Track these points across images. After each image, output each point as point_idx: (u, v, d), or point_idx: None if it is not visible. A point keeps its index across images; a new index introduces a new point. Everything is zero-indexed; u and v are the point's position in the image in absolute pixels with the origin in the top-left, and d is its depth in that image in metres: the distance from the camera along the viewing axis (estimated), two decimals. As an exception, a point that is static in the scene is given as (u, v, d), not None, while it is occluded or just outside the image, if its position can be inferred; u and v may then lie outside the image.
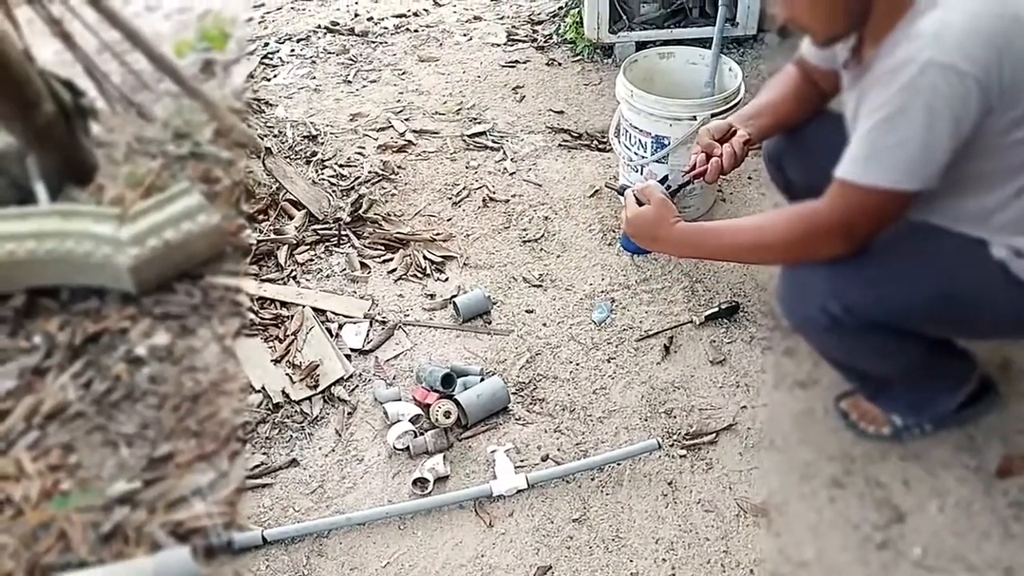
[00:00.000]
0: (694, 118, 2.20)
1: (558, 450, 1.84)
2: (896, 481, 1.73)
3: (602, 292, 2.25)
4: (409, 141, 2.90)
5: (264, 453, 1.85)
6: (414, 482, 1.76)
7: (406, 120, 3.03)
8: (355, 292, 2.28)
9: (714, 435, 1.85)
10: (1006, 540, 1.61)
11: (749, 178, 2.64)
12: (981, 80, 1.20)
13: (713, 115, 2.19)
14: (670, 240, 1.58)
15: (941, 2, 1.24)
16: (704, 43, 2.61)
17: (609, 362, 2.05)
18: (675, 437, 1.85)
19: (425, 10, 3.91)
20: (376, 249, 2.42)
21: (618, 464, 1.80)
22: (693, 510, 1.71)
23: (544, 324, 2.17)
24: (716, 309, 2.13)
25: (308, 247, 2.42)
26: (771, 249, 1.49)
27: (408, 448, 1.83)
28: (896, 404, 1.76)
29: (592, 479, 1.78)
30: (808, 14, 1.36)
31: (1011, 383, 1.88)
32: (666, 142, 2.28)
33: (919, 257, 1.43)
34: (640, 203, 1.63)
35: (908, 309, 1.43)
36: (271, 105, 3.14)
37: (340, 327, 2.16)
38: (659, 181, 1.81)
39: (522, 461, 1.82)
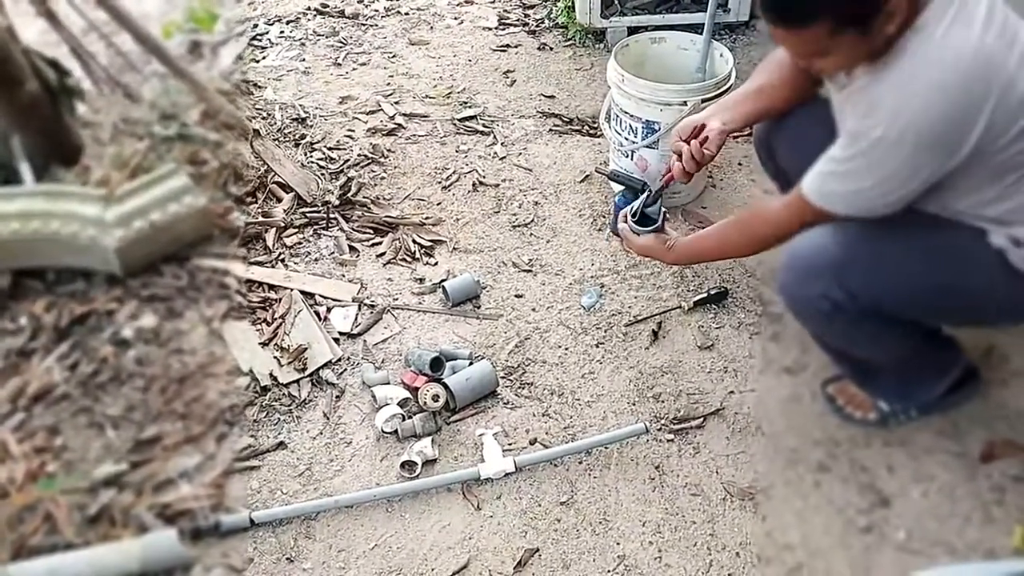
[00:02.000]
0: (685, 103, 2.20)
1: (546, 434, 1.85)
2: (880, 466, 1.75)
3: (591, 277, 2.25)
4: (399, 124, 2.89)
5: (251, 436, 1.85)
6: (402, 465, 1.76)
7: (396, 103, 3.01)
8: (344, 275, 2.28)
9: (702, 419, 1.86)
10: (987, 524, 1.63)
11: (740, 164, 2.64)
12: (936, 150, 1.28)
13: (704, 100, 2.19)
14: (672, 259, 1.80)
15: (920, 53, 1.25)
16: (696, 29, 2.60)
17: (598, 347, 2.05)
18: (663, 421, 1.86)
19: (416, -8, 3.87)
20: (365, 232, 2.41)
21: (606, 448, 1.80)
22: (680, 493, 1.72)
23: (533, 309, 2.17)
24: (705, 295, 2.13)
25: (296, 230, 2.40)
26: (739, 250, 1.77)
27: (396, 431, 1.83)
28: (883, 390, 1.77)
29: (580, 463, 1.78)
30: (831, 69, 1.39)
31: (994, 370, 1.90)
32: (656, 127, 2.27)
33: (920, 246, 1.44)
34: (636, 232, 1.79)
35: (909, 297, 1.45)
36: (260, 87, 3.11)
37: (328, 310, 2.15)
38: (627, 194, 1.87)
39: (510, 444, 1.83)
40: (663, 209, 1.82)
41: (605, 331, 2.09)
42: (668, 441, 1.82)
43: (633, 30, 3.12)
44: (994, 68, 1.22)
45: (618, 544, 1.63)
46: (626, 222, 1.82)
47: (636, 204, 1.81)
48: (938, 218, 1.45)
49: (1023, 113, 1.26)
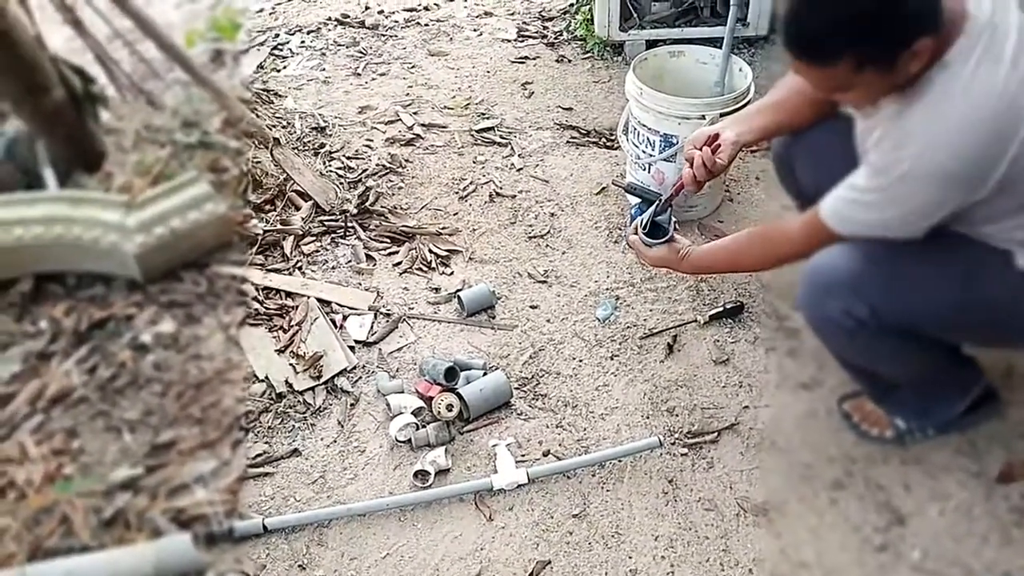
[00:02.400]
0: (703, 117, 2.20)
1: (559, 445, 1.85)
2: (897, 484, 1.73)
3: (607, 289, 2.25)
4: (417, 135, 2.90)
5: (266, 442, 1.86)
6: (415, 474, 1.76)
7: (414, 114, 3.03)
8: (360, 284, 2.29)
9: (716, 434, 1.85)
10: (1005, 545, 1.61)
11: (757, 179, 2.63)
12: (958, 183, 1.29)
13: (722, 115, 2.19)
14: (686, 269, 1.80)
15: (949, 91, 1.26)
16: (715, 43, 2.61)
17: (612, 359, 2.05)
18: (677, 435, 1.85)
19: (436, 4, 3.90)
20: (382, 242, 2.43)
21: (619, 461, 1.80)
22: (693, 508, 1.71)
23: (548, 320, 2.17)
24: (720, 309, 2.12)
25: (314, 238, 2.42)
26: (754, 265, 1.81)
27: (410, 440, 1.83)
28: (901, 408, 1.76)
29: (593, 475, 1.78)
30: (853, 102, 1.40)
31: (1013, 390, 1.88)
32: (674, 141, 2.27)
33: (945, 264, 1.43)
34: (648, 244, 1.80)
35: (932, 315, 1.45)
36: (280, 96, 3.14)
37: (344, 318, 2.17)
38: (643, 204, 1.87)
39: (523, 456, 1.82)
40: (673, 219, 1.81)
41: (620, 344, 2.09)
42: (682, 455, 1.81)
43: (652, 43, 3.13)
44: (1020, 108, 1.23)
45: (630, 558, 1.62)
46: (636, 234, 1.82)
47: (646, 215, 1.81)
48: (963, 237, 1.44)
49: None
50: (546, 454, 1.83)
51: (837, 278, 1.47)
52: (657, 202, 1.81)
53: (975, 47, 1.24)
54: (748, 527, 1.67)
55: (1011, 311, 1.43)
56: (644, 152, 2.38)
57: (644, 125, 2.32)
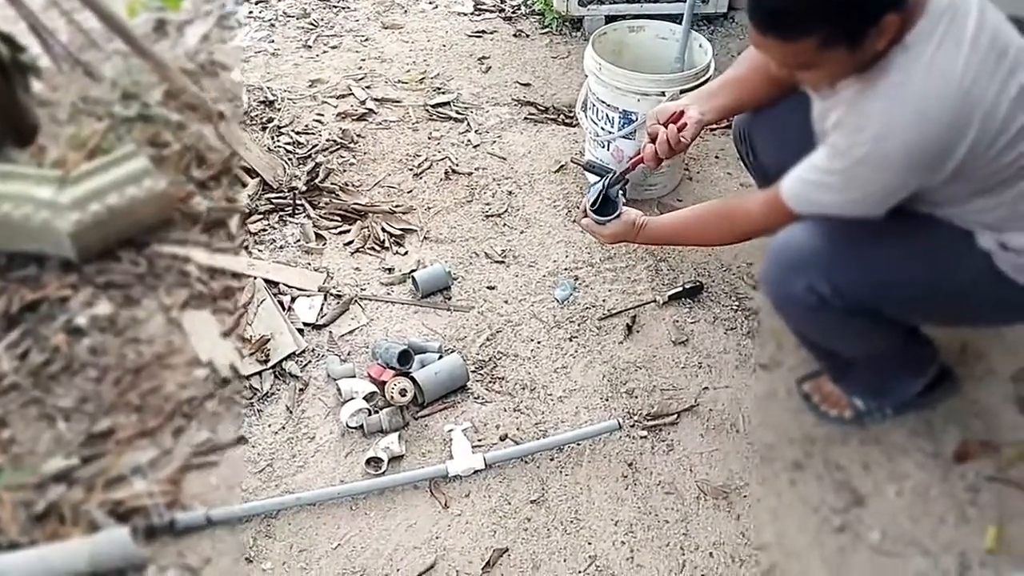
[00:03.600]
0: (663, 93, 2.15)
1: (517, 430, 1.80)
2: (856, 464, 1.72)
3: (565, 269, 2.20)
4: (370, 109, 2.81)
5: (210, 430, 1.77)
6: (367, 461, 1.70)
7: (367, 88, 2.93)
8: (309, 264, 2.20)
9: (675, 416, 1.82)
10: (961, 524, 1.62)
11: (716, 157, 2.60)
12: (915, 167, 1.28)
13: (682, 91, 2.14)
14: (643, 240, 1.78)
15: (908, 75, 1.24)
16: (675, 18, 2.56)
17: (571, 341, 2.01)
18: (636, 418, 1.82)
19: (390, -25, 3.78)
20: (332, 220, 2.34)
21: (578, 444, 1.76)
22: (653, 492, 1.68)
23: (506, 301, 2.11)
24: (680, 289, 2.09)
25: (261, 216, 2.32)
26: (713, 239, 1.77)
27: (362, 426, 1.77)
28: (859, 387, 1.75)
29: (551, 459, 1.74)
30: (813, 81, 1.37)
31: (968, 368, 1.89)
32: (634, 117, 2.22)
33: (909, 244, 1.42)
34: (600, 222, 1.75)
35: (895, 294, 1.44)
36: (227, 68, 3.01)
37: (293, 300, 2.08)
38: (599, 177, 1.78)
39: (480, 440, 1.77)
40: (621, 194, 1.75)
41: (579, 325, 2.04)
42: (641, 438, 1.78)
43: (611, 18, 3.06)
44: (979, 91, 1.22)
45: (589, 544, 1.59)
46: (586, 215, 1.76)
47: (594, 190, 1.74)
48: (926, 217, 1.42)
49: (1008, 129, 1.25)
50: (503, 439, 1.78)
51: (801, 256, 1.45)
52: (608, 176, 1.74)
53: (936, 29, 1.23)
54: (708, 510, 1.65)
55: (972, 291, 1.43)
56: (603, 129, 2.32)
57: (603, 101, 2.27)
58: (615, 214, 1.72)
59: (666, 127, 1.67)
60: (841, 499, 1.66)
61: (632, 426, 1.80)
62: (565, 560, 1.56)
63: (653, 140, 1.69)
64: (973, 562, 1.55)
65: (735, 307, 2.08)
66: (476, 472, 1.69)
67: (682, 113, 1.67)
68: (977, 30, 1.23)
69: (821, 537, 1.60)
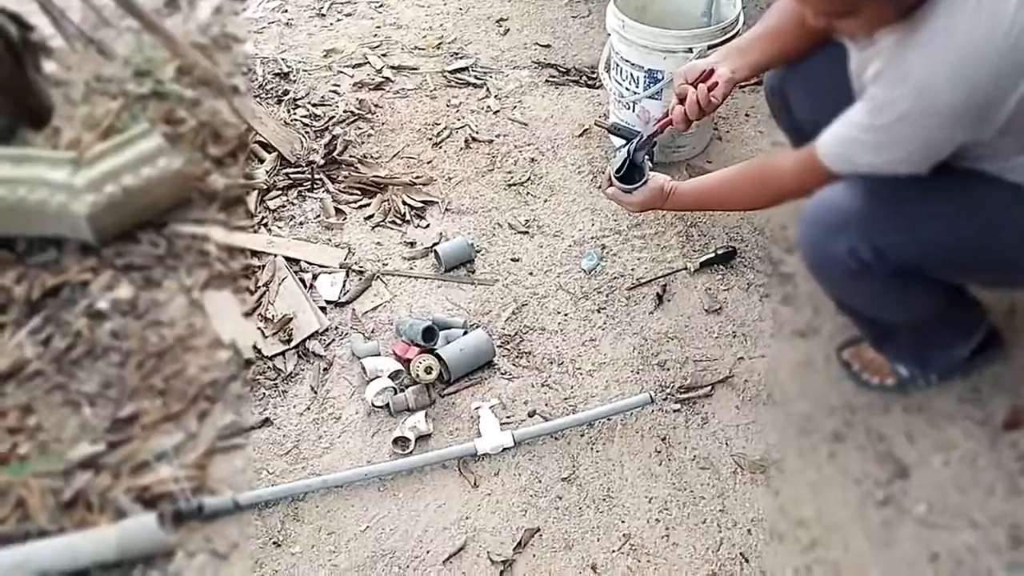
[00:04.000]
0: (690, 50, 2.06)
1: (546, 405, 1.76)
2: (899, 434, 1.66)
3: (592, 238, 2.13)
4: (387, 78, 2.73)
5: (235, 412, 1.75)
6: (394, 441, 1.67)
7: (383, 56, 2.85)
8: (330, 240, 2.16)
9: (710, 388, 1.76)
10: (1012, 495, 1.55)
11: (747, 115, 2.50)
12: (962, 121, 1.20)
13: (710, 47, 2.05)
14: (673, 207, 1.71)
15: (952, 22, 1.15)
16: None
17: (599, 312, 1.95)
18: (668, 390, 1.77)
19: (403, -62, 3.67)
20: (352, 194, 2.28)
21: (609, 419, 1.71)
22: (688, 467, 1.63)
23: (531, 273, 2.06)
24: (712, 255, 2.02)
25: (280, 192, 2.28)
26: (746, 204, 1.69)
27: (388, 405, 1.73)
28: (903, 354, 1.68)
29: (582, 435, 1.69)
30: (853, 30, 1.29)
31: (1016, 332, 1.80)
32: (660, 76, 2.13)
33: (954, 201, 1.34)
34: (626, 190, 1.66)
35: (940, 254, 1.36)
36: (239, 41, 2.95)
37: (314, 277, 2.04)
38: (624, 140, 1.68)
39: (508, 417, 1.73)
40: (647, 159, 1.65)
41: (607, 295, 1.98)
42: (674, 411, 1.73)
43: (633, -27, 2.95)
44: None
45: (623, 522, 1.55)
46: (612, 184, 1.68)
47: (619, 157, 1.65)
48: (974, 172, 1.33)
49: None
50: (532, 415, 1.74)
51: (841, 217, 1.37)
52: (634, 140, 1.65)
53: None
54: (745, 485, 1.60)
55: (1022, 250, 1.34)
56: (628, 90, 2.23)
57: (627, 60, 2.17)
58: (642, 181, 1.64)
59: (695, 87, 1.58)
60: (884, 471, 1.60)
61: (664, 399, 1.75)
62: (598, 539, 1.52)
63: (682, 101, 1.61)
64: (1025, 535, 1.49)
65: (770, 272, 2.00)
66: (505, 450, 1.66)
67: (712, 71, 1.58)
68: None
69: (864, 511, 1.55)
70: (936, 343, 1.67)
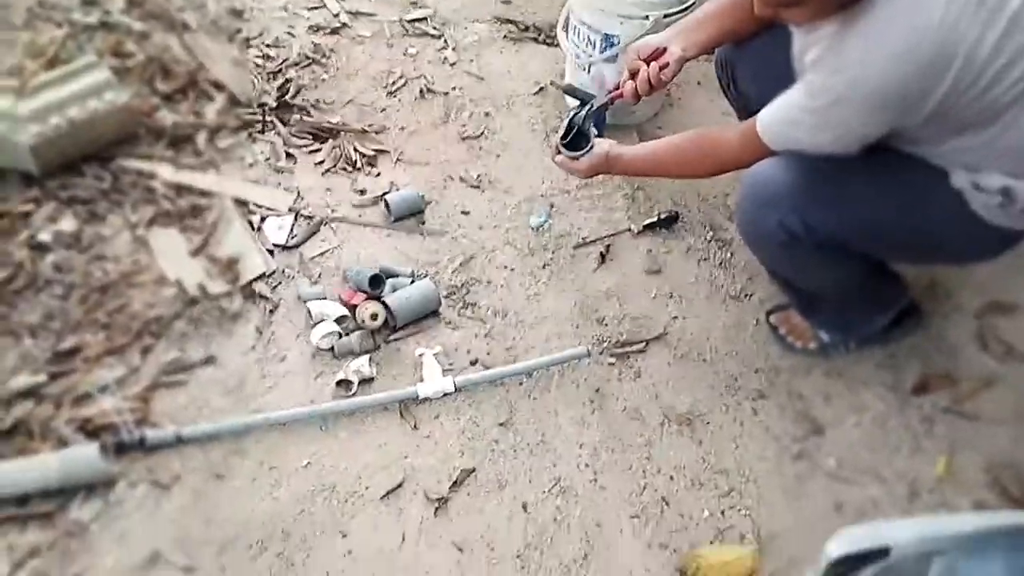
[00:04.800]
0: (647, 17, 2.09)
1: (488, 354, 1.81)
2: (818, 395, 1.76)
3: (541, 196, 2.18)
4: (343, 23, 2.70)
5: (179, 349, 1.76)
6: (338, 383, 1.71)
7: (341, 0, 2.81)
8: (279, 183, 2.15)
9: (644, 344, 1.84)
10: (914, 454, 1.67)
11: (699, 83, 2.56)
12: (891, 109, 1.27)
13: (666, 15, 2.08)
14: (617, 172, 1.77)
15: (888, 13, 1.21)
16: (661, -65, 2.46)
17: (544, 268, 2.00)
18: (606, 345, 1.84)
19: None
20: (303, 138, 2.28)
21: (547, 370, 1.78)
22: (619, 417, 1.71)
23: (480, 227, 2.10)
24: (655, 218, 2.08)
25: (230, 132, 2.25)
26: (689, 172, 1.74)
27: (333, 348, 1.77)
28: (825, 321, 1.77)
29: (520, 384, 1.76)
30: (798, 19, 1.33)
31: (936, 304, 1.92)
32: (615, 41, 2.16)
33: (882, 181, 1.42)
34: (571, 156, 1.70)
35: (866, 231, 1.45)
36: (193, -26, 2.87)
37: (263, 220, 2.04)
38: (579, 101, 1.73)
39: (450, 365, 1.78)
40: (592, 127, 1.70)
41: (553, 252, 2.04)
42: (610, 365, 1.80)
43: (596, -66, 2.95)
44: (959, 35, 1.18)
45: (555, 466, 1.63)
46: (559, 152, 1.73)
47: (563, 127, 1.70)
48: (902, 154, 1.41)
49: (988, 70, 1.22)
50: (474, 363, 1.79)
51: (774, 190, 1.45)
52: (583, 109, 1.69)
53: None
54: (671, 436, 1.69)
55: (942, 230, 1.44)
56: (584, 52, 2.26)
57: (584, 23, 2.20)
58: (587, 148, 1.69)
59: (647, 64, 1.63)
60: (801, 428, 1.71)
61: (601, 353, 1.82)
62: (530, 481, 1.60)
63: (633, 76, 1.66)
64: (922, 489, 1.62)
65: (709, 238, 2.08)
66: (446, 395, 1.71)
67: (664, 50, 1.63)
68: None
69: (780, 464, 1.65)
70: (857, 312, 1.77)
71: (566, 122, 1.69)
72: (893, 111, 1.28)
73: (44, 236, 1.92)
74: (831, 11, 1.27)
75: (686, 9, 2.11)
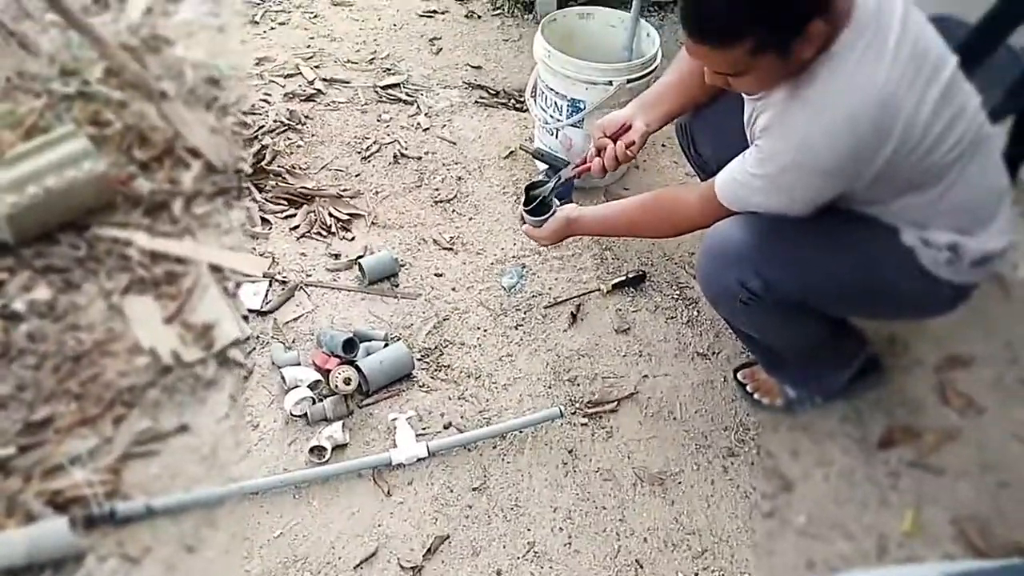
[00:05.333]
0: (610, 83, 2.18)
1: (461, 417, 1.83)
2: (785, 451, 1.80)
3: (513, 257, 2.22)
4: (318, 90, 2.77)
5: (152, 418, 1.76)
6: (311, 450, 1.71)
7: (316, 67, 2.89)
8: (255, 249, 2.18)
9: (615, 403, 1.87)
10: (882, 508, 1.70)
11: (663, 146, 2.64)
12: (837, 175, 1.34)
13: (629, 81, 2.17)
14: (580, 233, 1.81)
15: (832, 85, 1.28)
16: (625, 5, 2.57)
17: (517, 329, 2.04)
18: (578, 405, 1.86)
19: (341, -50, 3.70)
20: (279, 204, 2.31)
21: (520, 432, 1.80)
22: (592, 479, 1.73)
23: (453, 288, 2.13)
24: (623, 278, 2.13)
25: (206, 199, 2.28)
26: (651, 232, 1.85)
27: (306, 415, 1.78)
28: (791, 377, 1.82)
29: (494, 447, 1.77)
30: (746, 88, 1.40)
31: (896, 358, 1.97)
32: (582, 106, 2.24)
33: (838, 240, 1.48)
34: (535, 223, 1.79)
35: (822, 289, 1.50)
36: (170, 43, 2.93)
37: (238, 286, 2.06)
38: (549, 170, 1.81)
39: (424, 429, 1.80)
40: (554, 197, 1.78)
41: (525, 313, 2.07)
42: (582, 425, 1.83)
43: (563, 3, 3.07)
44: (899, 101, 1.26)
45: (529, 530, 1.63)
46: (524, 221, 1.80)
47: (529, 197, 1.79)
48: (854, 214, 1.47)
49: (928, 135, 1.30)
50: (447, 427, 1.81)
51: (734, 250, 1.49)
52: (558, 180, 1.78)
53: (860, 39, 1.27)
54: (644, 496, 1.70)
55: (896, 286, 1.49)
56: (552, 116, 2.34)
57: (552, 89, 2.28)
58: (550, 213, 1.76)
59: (614, 141, 1.71)
60: (771, 485, 1.73)
61: (573, 413, 1.85)
62: (504, 546, 1.60)
63: (599, 152, 1.72)
64: (891, 544, 1.64)
65: (676, 296, 2.13)
66: (419, 460, 1.72)
67: (629, 126, 1.71)
68: (899, 39, 1.27)
69: (751, 522, 1.67)
70: (821, 367, 1.81)
71: (525, 190, 1.79)
72: (839, 176, 1.34)
73: (18, 305, 1.92)
74: (777, 81, 1.34)
75: (647, 74, 2.20)
